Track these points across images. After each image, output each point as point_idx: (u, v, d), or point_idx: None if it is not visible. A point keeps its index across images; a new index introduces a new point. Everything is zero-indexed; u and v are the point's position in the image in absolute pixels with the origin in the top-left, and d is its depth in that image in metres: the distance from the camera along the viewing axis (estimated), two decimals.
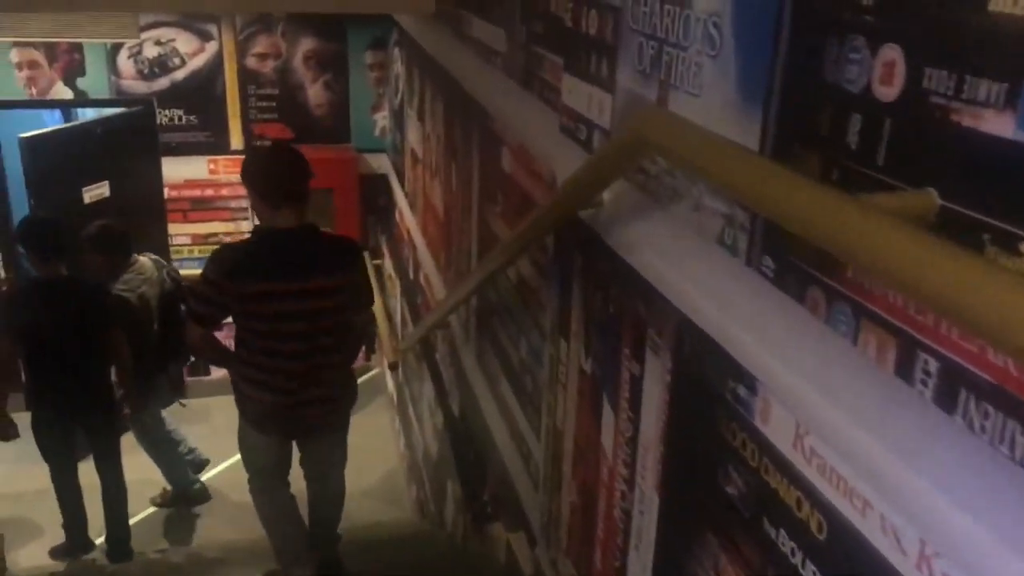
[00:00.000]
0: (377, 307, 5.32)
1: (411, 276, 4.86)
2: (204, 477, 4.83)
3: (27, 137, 4.79)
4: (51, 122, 6.10)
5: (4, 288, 5.27)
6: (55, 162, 4.95)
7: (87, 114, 5.74)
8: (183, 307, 3.81)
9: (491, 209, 2.80)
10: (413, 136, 4.58)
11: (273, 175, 2.84)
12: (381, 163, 5.90)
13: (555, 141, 1.98)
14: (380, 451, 5.50)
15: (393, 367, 4.79)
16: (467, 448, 3.29)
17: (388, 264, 5.72)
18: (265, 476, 3.15)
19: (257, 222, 3.12)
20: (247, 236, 3.09)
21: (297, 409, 2.97)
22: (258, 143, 5.65)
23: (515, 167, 2.46)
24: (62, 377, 3.68)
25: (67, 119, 6.04)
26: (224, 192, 5.75)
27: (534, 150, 2.22)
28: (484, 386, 3.00)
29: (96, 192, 5.20)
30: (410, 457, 4.95)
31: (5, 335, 3.65)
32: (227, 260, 2.85)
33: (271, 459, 3.10)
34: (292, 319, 2.83)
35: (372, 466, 5.34)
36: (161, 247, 5.73)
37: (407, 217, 4.94)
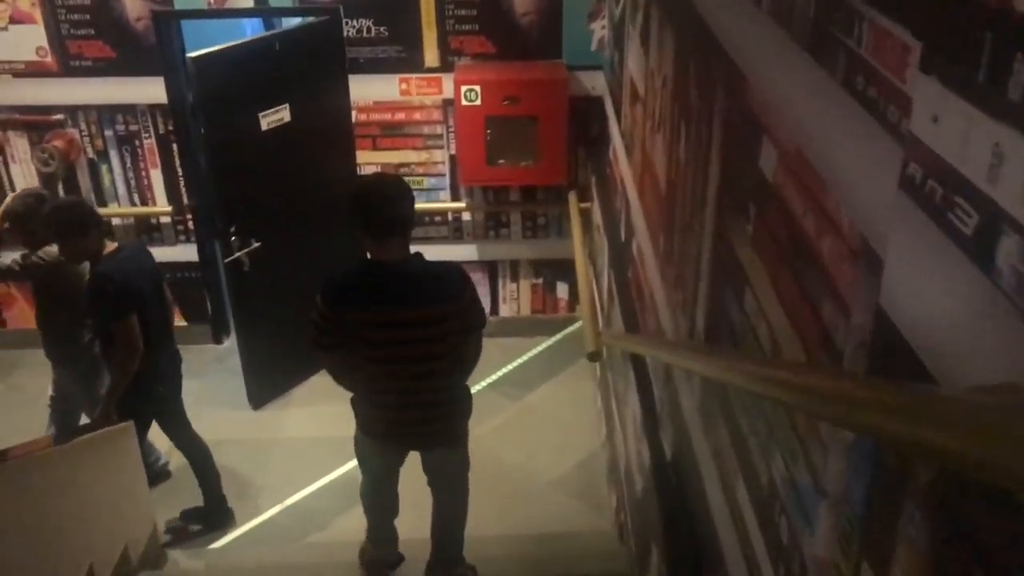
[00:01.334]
0: (580, 268, 4.47)
1: (622, 238, 3.94)
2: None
3: (197, 57, 4.22)
4: (253, 33, 5.59)
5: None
6: (228, 83, 4.39)
7: (289, 23, 5.13)
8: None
9: (736, 224, 1.83)
10: (633, 64, 3.58)
11: (375, 209, 2.85)
12: (596, 83, 4.93)
13: (883, 199, 1.01)
14: (579, 427, 4.75)
15: (593, 358, 3.94)
16: (681, 518, 2.43)
17: (597, 212, 4.83)
18: (376, 479, 3.37)
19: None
20: (355, 267, 3.03)
21: (411, 426, 3.12)
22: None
23: (786, 183, 1.48)
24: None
25: (268, 28, 5.50)
26: (417, 116, 5.02)
27: (831, 186, 1.24)
28: (707, 452, 2.12)
29: (275, 117, 4.61)
30: (611, 454, 4.15)
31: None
32: (333, 290, 2.95)
33: (383, 467, 3.32)
34: (400, 345, 2.93)
35: (570, 445, 4.62)
36: (348, 177, 5.13)
37: (622, 161, 3.99)
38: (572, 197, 5.01)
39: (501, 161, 4.90)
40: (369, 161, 5.13)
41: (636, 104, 3.49)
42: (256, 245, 4.69)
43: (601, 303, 4.51)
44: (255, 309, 4.86)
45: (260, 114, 4.54)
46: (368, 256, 2.94)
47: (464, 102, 4.71)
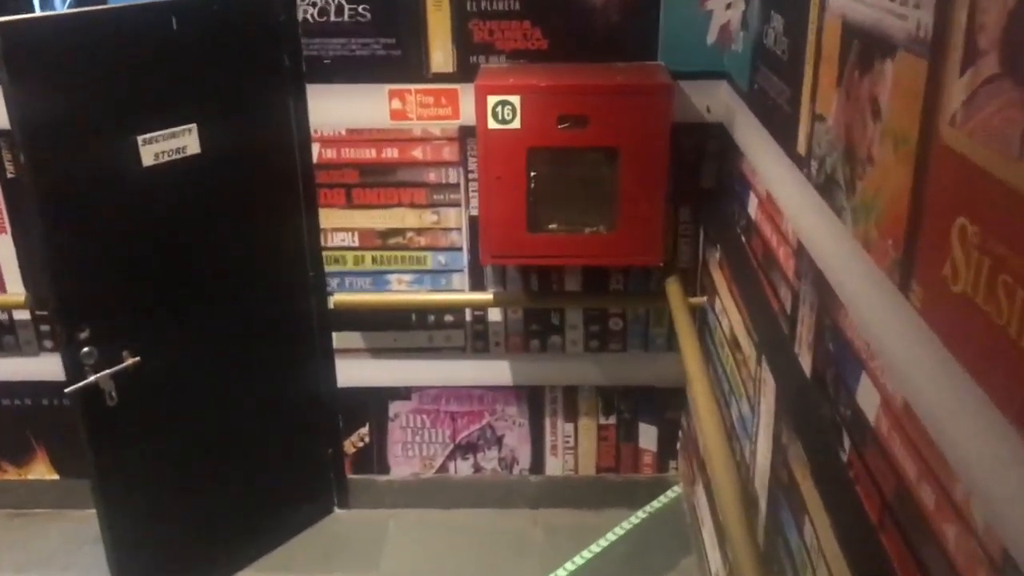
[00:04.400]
0: (704, 407, 2.41)
1: (807, 368, 1.90)
2: None
3: (4, 25, 2.35)
4: None
5: None
6: (73, 82, 2.50)
7: None
8: None
9: None
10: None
11: None
12: (714, 99, 2.97)
13: None
14: None
15: None
16: None
17: (725, 313, 2.78)
18: None
19: None
20: None
21: None
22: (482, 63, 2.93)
23: None
24: None
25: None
26: (418, 153, 3.08)
27: None
28: None
29: (170, 146, 2.70)
30: None
31: None
32: None
33: None
34: None
35: None
36: (298, 253, 3.17)
37: (801, 219, 2.00)
38: (673, 287, 2.99)
39: (552, 225, 2.92)
40: (339, 225, 3.18)
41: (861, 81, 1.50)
42: (130, 362, 2.73)
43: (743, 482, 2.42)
44: (126, 470, 2.88)
45: (140, 139, 2.63)
46: None
47: (493, 124, 2.76)
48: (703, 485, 3.04)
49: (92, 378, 2.67)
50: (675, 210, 3.10)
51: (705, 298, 3.04)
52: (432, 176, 3.09)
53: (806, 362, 1.93)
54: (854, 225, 1.65)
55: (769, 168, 2.32)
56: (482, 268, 3.21)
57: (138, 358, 2.74)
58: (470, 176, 3.07)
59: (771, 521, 2.16)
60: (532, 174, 2.83)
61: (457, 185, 3.10)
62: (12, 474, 3.56)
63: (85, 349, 2.65)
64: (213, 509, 3.13)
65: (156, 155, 2.69)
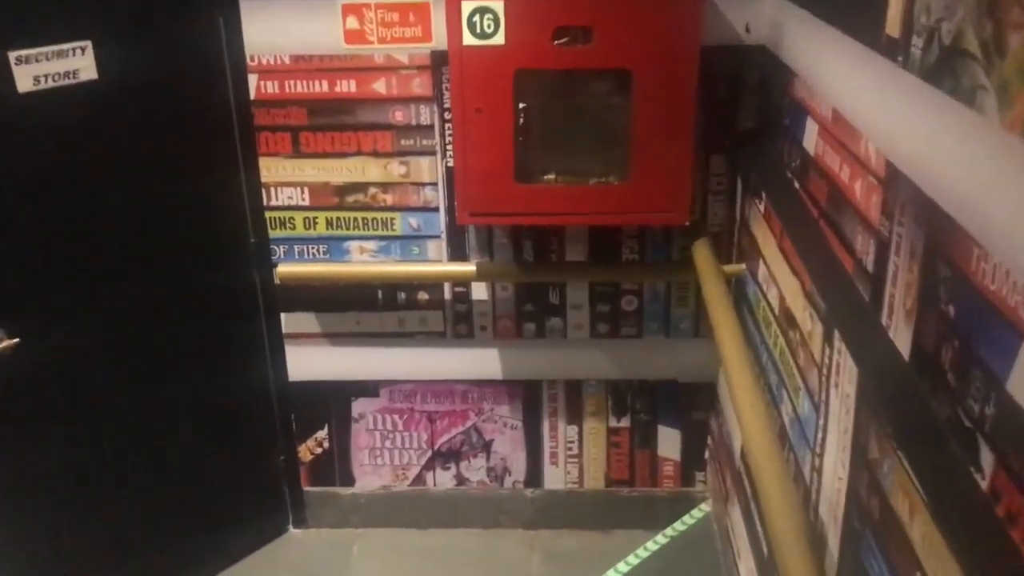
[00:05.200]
0: (744, 405, 1.76)
1: (904, 351, 1.27)
2: None
3: None
4: None
5: None
6: None
7: None
8: None
9: None
10: None
11: None
12: (757, 14, 2.34)
13: None
14: None
15: None
16: None
17: (776, 293, 2.10)
18: None
19: None
20: None
21: None
22: None
23: None
24: None
25: None
26: (381, 87, 2.46)
27: None
28: None
29: (55, 68, 2.10)
30: None
31: None
32: None
33: None
34: None
35: None
36: (235, 214, 2.58)
37: (878, 139, 1.37)
38: (702, 253, 2.35)
39: (549, 176, 2.30)
40: (285, 179, 2.56)
41: None
42: (4, 344, 2.13)
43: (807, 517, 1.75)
44: (7, 481, 2.27)
45: (13, 56, 2.03)
46: None
47: (470, 39, 2.13)
48: (739, 506, 2.40)
49: None
50: (705, 159, 2.47)
51: (743, 265, 2.40)
52: (399, 115, 2.47)
53: (903, 338, 1.30)
54: (1003, 109, 1.01)
55: (838, 77, 1.69)
56: (463, 233, 2.58)
57: (16, 339, 2.14)
58: (447, 116, 2.45)
59: (850, 569, 1.52)
60: (521, 106, 2.20)
61: (431, 127, 2.48)
62: None
63: None
64: (128, 529, 2.53)
65: (36, 79, 2.08)
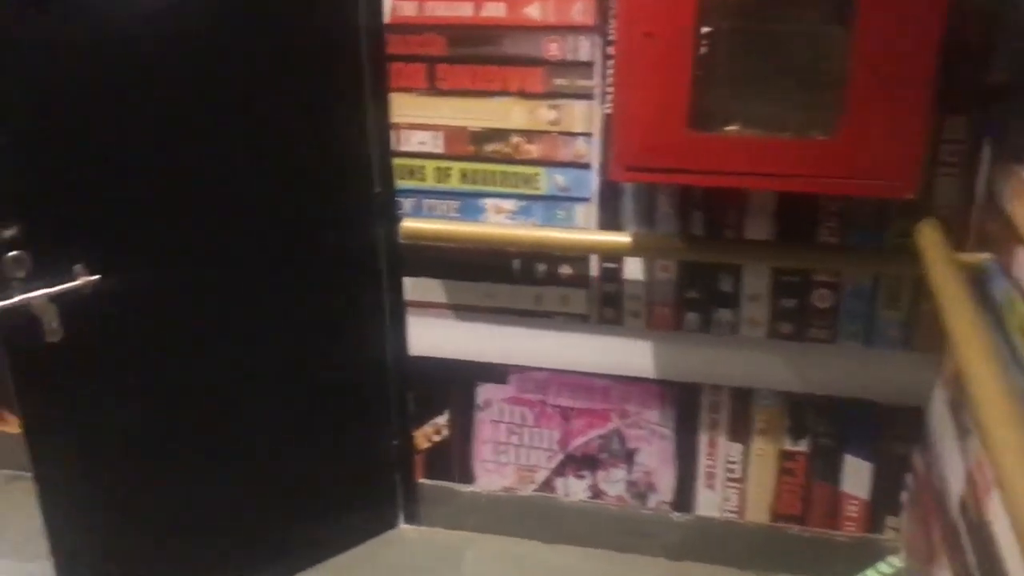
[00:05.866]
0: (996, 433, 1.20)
1: None
2: None
3: None
4: None
5: None
6: None
7: None
8: None
9: None
10: None
11: None
12: None
13: None
14: None
15: None
16: None
17: None
18: None
19: None
20: None
21: None
22: None
23: None
24: None
25: None
26: (533, 11, 2.05)
27: None
28: None
29: None
30: None
31: None
32: None
33: None
34: None
35: None
36: (359, 158, 2.24)
37: None
38: (930, 233, 1.80)
39: (732, 126, 1.82)
40: (417, 119, 2.19)
41: None
42: (83, 280, 1.87)
43: None
44: (75, 443, 2.02)
45: None
46: None
47: None
48: (951, 573, 1.83)
49: (19, 298, 1.82)
50: (939, 121, 1.91)
51: (988, 255, 1.82)
52: (554, 48, 2.05)
53: None
54: None
55: None
56: (618, 197, 2.14)
57: (96, 276, 1.88)
58: (610, 52, 2.01)
59: None
60: (705, 31, 1.73)
61: (590, 66, 2.05)
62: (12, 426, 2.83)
63: (12, 254, 1.80)
64: (209, 506, 2.24)
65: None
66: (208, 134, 1.97)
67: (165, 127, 1.92)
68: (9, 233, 1.79)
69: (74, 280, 1.86)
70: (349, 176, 2.23)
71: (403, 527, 2.63)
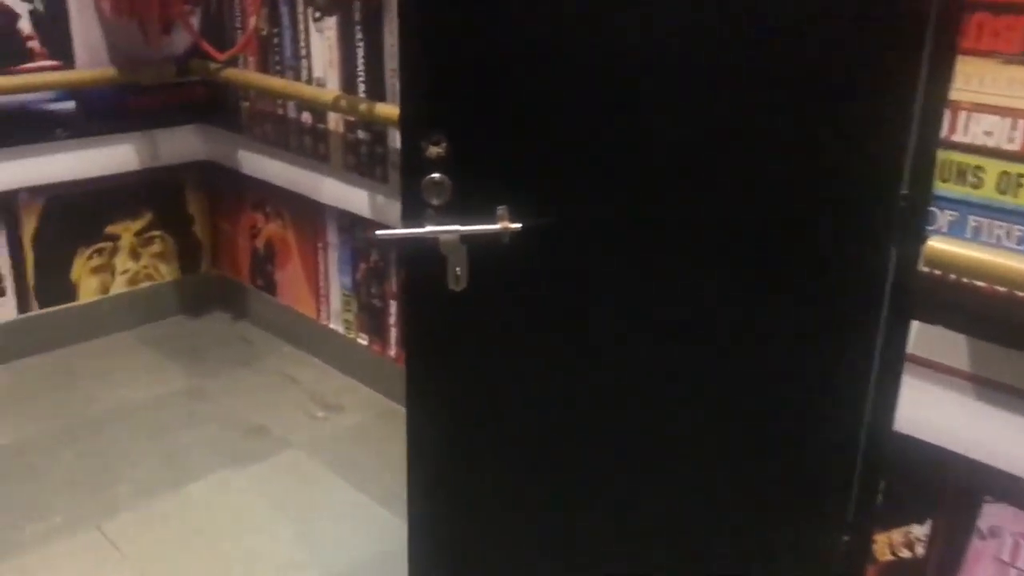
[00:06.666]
0: None
1: None
2: None
3: None
4: None
5: None
6: None
7: None
8: None
9: None
10: None
11: None
12: None
13: None
14: None
15: None
16: None
17: None
18: None
19: None
20: None
21: None
22: None
23: None
24: None
25: None
26: None
27: None
28: None
29: None
30: None
31: None
32: None
33: None
34: None
35: None
36: (885, 147, 1.61)
37: None
38: None
39: None
40: (988, 98, 1.50)
41: None
42: (503, 226, 1.53)
43: None
44: (468, 418, 1.70)
45: None
46: None
47: None
48: None
49: (429, 228, 1.54)
50: None
51: None
52: None
53: None
54: None
55: None
56: None
57: (519, 224, 1.53)
58: None
59: None
60: None
61: None
62: None
63: (433, 176, 1.53)
64: (602, 546, 1.80)
65: None
66: (696, 103, 1.51)
67: (657, 91, 1.50)
68: (436, 149, 1.52)
69: (493, 224, 1.54)
70: (865, 165, 1.61)
71: None
